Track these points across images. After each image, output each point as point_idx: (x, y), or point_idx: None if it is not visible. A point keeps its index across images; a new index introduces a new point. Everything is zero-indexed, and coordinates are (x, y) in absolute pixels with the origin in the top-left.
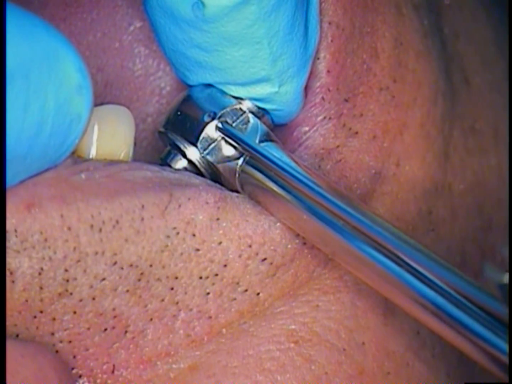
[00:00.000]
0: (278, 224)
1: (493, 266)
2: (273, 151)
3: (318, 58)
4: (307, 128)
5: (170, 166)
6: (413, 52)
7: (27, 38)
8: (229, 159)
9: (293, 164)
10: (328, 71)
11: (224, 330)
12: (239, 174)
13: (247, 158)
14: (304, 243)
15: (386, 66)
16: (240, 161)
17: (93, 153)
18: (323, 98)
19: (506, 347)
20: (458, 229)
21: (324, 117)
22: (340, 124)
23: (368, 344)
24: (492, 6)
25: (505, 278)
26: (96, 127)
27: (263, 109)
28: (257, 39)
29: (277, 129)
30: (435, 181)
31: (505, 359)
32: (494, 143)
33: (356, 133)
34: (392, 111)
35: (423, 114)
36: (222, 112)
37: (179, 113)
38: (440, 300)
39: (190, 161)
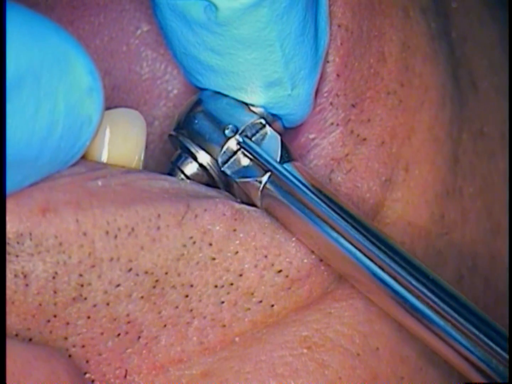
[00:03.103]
0: (294, 238)
1: None
2: (293, 172)
3: (328, 61)
4: (314, 135)
5: (180, 169)
6: (420, 55)
7: (37, 41)
8: (247, 173)
9: (310, 186)
10: (338, 75)
11: (237, 338)
12: (261, 191)
13: (271, 177)
14: (321, 260)
15: (393, 70)
16: (264, 179)
17: (105, 156)
18: (331, 103)
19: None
20: (469, 232)
21: (332, 123)
22: (347, 130)
23: (382, 349)
24: (498, 10)
25: None
26: (108, 130)
27: (275, 114)
28: (270, 41)
29: (285, 133)
30: (446, 185)
31: None
32: (502, 146)
33: (364, 139)
34: (399, 116)
35: (431, 118)
36: (243, 127)
37: (196, 121)
38: (450, 330)
39: (201, 165)
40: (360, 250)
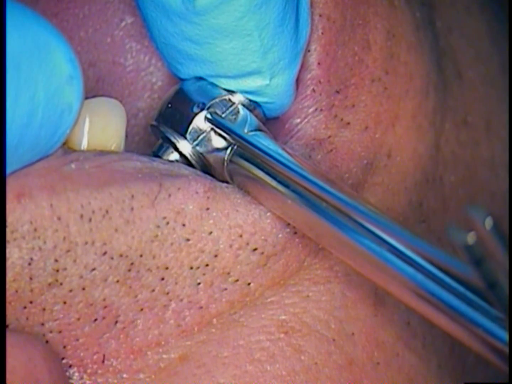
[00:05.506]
0: (268, 213)
1: (457, 227)
2: (261, 139)
3: (309, 51)
4: (298, 120)
5: (161, 159)
6: (405, 44)
7: (17, 29)
8: (218, 149)
9: (280, 151)
10: (319, 63)
11: (214, 320)
12: (227, 164)
13: (236, 147)
14: (295, 233)
15: (378, 58)
16: (228, 151)
17: (84, 145)
18: (314, 90)
19: (505, 335)
20: (449, 221)
21: (316, 109)
22: (331, 115)
23: (358, 334)
24: (486, 0)
25: (470, 239)
26: (87, 119)
27: (255, 102)
28: (248, 31)
29: (269, 122)
30: (426, 173)
31: (502, 346)
32: (486, 136)
33: (348, 123)
34: (384, 103)
35: (414, 106)
36: (211, 103)
37: (169, 105)
38: (426, 281)
39: (181, 154)
40: (337, 216)
